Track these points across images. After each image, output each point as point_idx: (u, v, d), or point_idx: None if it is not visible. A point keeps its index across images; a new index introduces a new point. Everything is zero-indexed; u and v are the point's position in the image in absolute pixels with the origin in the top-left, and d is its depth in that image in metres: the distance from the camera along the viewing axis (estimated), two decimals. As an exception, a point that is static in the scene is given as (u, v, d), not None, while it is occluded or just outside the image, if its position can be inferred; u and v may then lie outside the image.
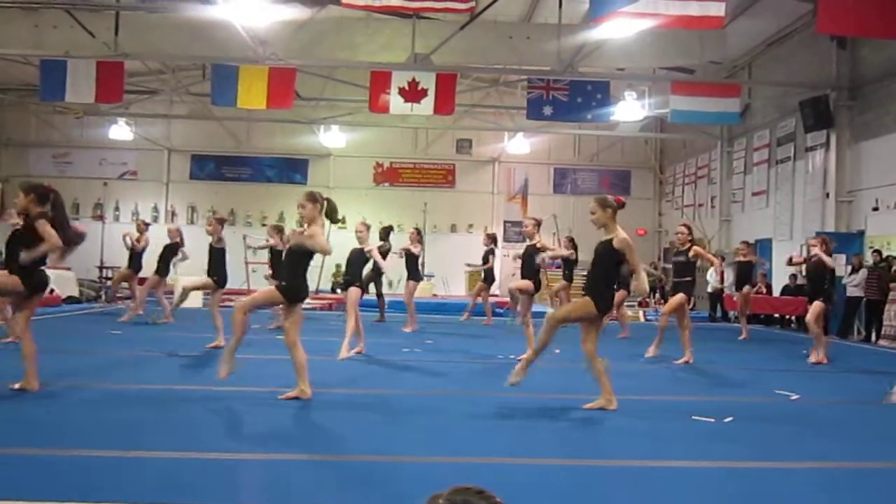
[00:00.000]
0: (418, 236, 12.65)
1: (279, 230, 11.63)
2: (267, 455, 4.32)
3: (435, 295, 19.96)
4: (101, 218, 22.32)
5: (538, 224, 8.99)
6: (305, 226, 5.89)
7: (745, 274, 12.83)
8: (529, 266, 8.99)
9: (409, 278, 12.39)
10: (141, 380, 6.63)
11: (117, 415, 5.19)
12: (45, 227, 5.58)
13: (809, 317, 9.25)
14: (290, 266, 5.95)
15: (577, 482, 4.01)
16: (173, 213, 23.60)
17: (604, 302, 5.85)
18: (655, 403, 6.26)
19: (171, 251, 12.02)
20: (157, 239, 12.85)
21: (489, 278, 13.41)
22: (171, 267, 12.32)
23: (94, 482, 3.66)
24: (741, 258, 12.80)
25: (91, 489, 3.53)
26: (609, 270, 6.00)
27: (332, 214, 5.93)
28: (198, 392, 6.08)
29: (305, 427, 5.16)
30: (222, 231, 9.95)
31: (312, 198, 5.85)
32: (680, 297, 8.99)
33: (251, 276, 16.95)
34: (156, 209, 23.51)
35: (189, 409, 5.43)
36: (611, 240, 5.86)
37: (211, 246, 9.74)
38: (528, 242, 9.05)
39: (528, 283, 8.95)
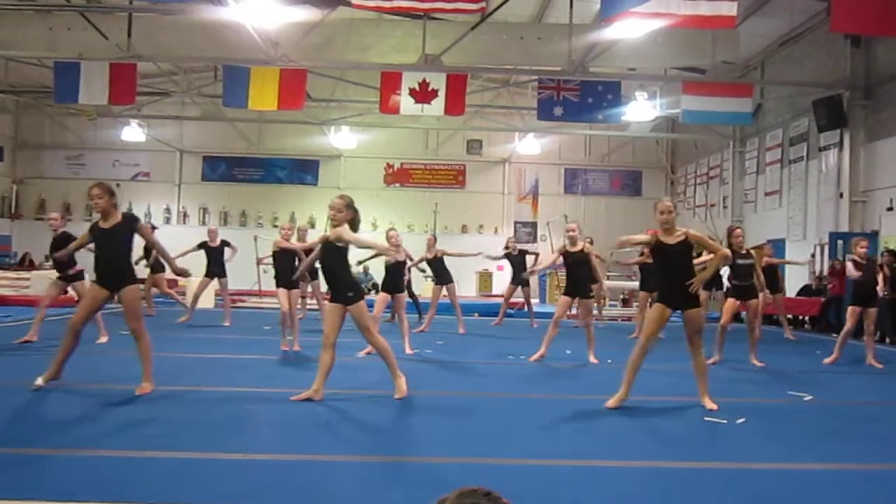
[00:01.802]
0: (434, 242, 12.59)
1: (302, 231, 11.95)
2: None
3: (445, 295, 19.90)
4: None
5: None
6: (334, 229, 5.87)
7: (772, 276, 12.49)
8: (581, 272, 8.92)
9: (448, 282, 12.21)
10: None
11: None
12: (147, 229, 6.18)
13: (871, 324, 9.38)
14: (345, 270, 6.05)
15: (585, 482, 4.00)
16: (185, 215, 23.73)
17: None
18: (666, 405, 6.23)
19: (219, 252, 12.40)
20: (168, 239, 12.88)
21: (520, 280, 13.23)
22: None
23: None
24: (770, 262, 12.34)
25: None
26: (691, 267, 6.10)
27: (356, 224, 5.94)
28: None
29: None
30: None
31: (350, 204, 5.83)
32: (755, 301, 9.08)
33: (262, 276, 17.03)
34: (168, 210, 23.65)
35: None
36: (685, 239, 5.94)
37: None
38: (572, 248, 8.91)
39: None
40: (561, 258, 9.04)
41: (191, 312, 12.48)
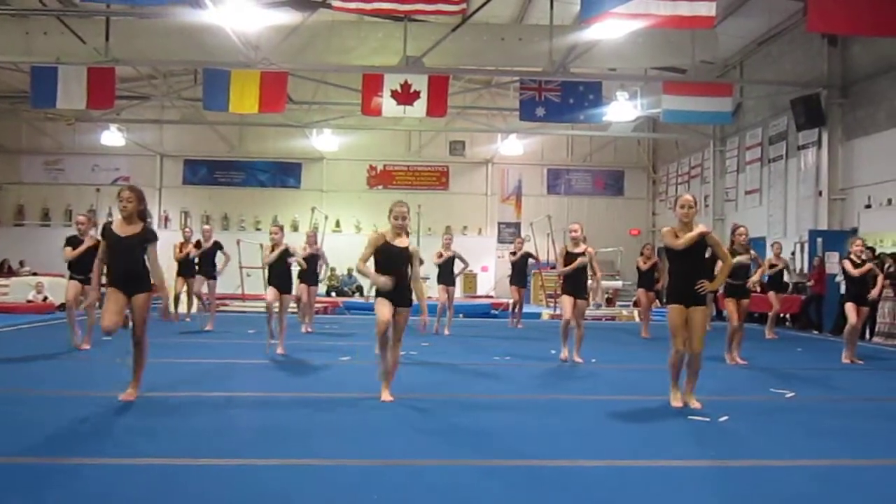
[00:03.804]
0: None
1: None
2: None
3: (430, 297, 19.90)
4: (94, 224, 22.21)
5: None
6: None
7: (779, 276, 12.73)
8: (582, 273, 8.87)
9: (452, 283, 12.22)
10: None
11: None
12: (155, 253, 6.01)
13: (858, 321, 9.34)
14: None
15: (568, 481, 4.01)
16: (167, 219, 23.53)
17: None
18: (649, 403, 6.26)
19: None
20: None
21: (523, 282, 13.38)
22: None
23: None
24: (775, 261, 12.55)
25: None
26: (705, 265, 6.11)
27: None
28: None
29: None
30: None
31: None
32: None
33: (246, 280, 16.95)
34: (149, 214, 23.40)
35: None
36: (704, 236, 5.92)
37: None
38: (574, 249, 8.85)
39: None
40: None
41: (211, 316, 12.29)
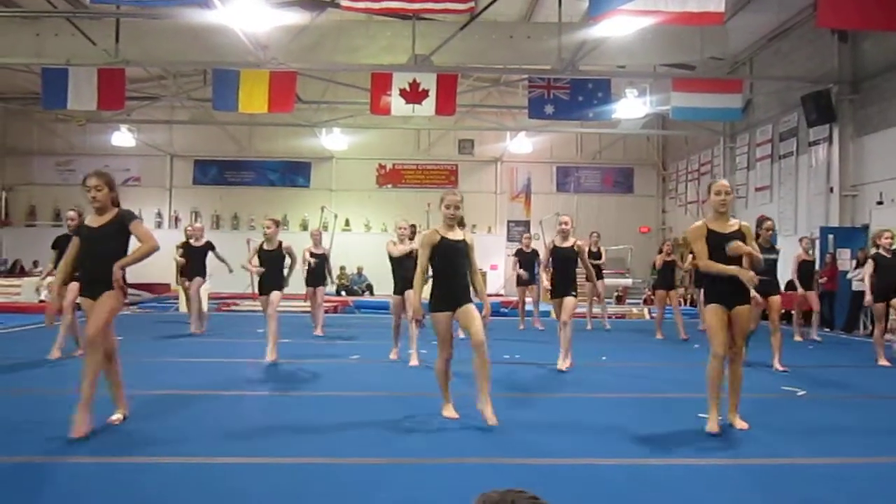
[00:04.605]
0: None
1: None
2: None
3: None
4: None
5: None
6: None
7: (809, 272, 11.63)
8: (570, 269, 8.14)
9: None
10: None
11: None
12: (142, 228, 4.99)
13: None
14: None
15: (588, 480, 4.01)
16: (177, 219, 23.65)
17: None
18: (660, 401, 6.25)
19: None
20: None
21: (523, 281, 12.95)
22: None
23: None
24: (805, 257, 11.52)
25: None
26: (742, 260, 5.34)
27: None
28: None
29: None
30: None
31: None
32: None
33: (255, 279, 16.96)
34: (159, 215, 23.58)
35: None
36: (739, 229, 5.32)
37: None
38: (561, 244, 8.15)
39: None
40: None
41: (199, 321, 11.57)
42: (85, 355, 4.85)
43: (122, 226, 4.89)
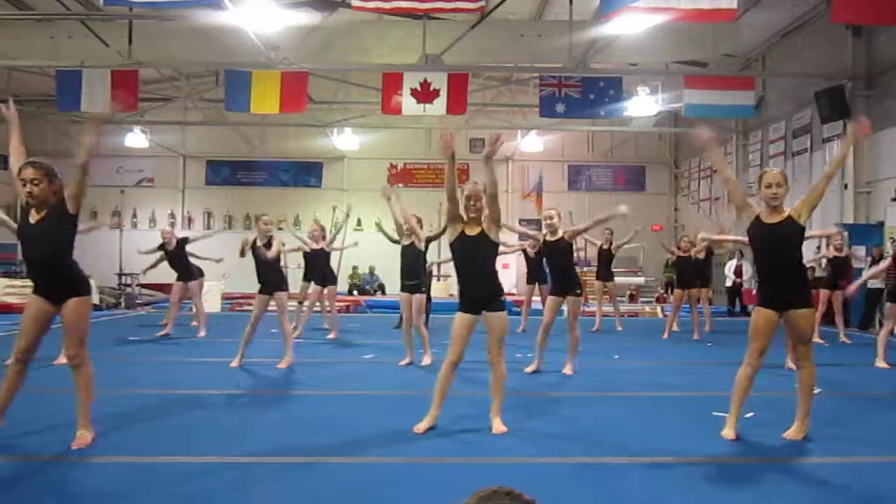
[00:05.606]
0: None
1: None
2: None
3: (451, 295, 19.97)
4: (118, 226, 22.56)
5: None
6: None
7: (841, 270, 11.08)
8: (564, 265, 7.76)
9: None
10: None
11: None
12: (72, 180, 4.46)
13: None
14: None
15: (590, 478, 4.00)
16: (190, 219, 23.80)
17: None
18: (671, 400, 6.23)
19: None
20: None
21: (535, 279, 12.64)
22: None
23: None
24: (837, 253, 11.03)
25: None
26: (799, 255, 4.94)
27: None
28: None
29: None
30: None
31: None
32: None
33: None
34: (172, 216, 23.72)
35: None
36: (791, 219, 4.95)
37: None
38: (551, 238, 7.64)
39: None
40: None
41: (172, 324, 11.14)
42: (73, 374, 4.47)
43: (61, 209, 4.32)
